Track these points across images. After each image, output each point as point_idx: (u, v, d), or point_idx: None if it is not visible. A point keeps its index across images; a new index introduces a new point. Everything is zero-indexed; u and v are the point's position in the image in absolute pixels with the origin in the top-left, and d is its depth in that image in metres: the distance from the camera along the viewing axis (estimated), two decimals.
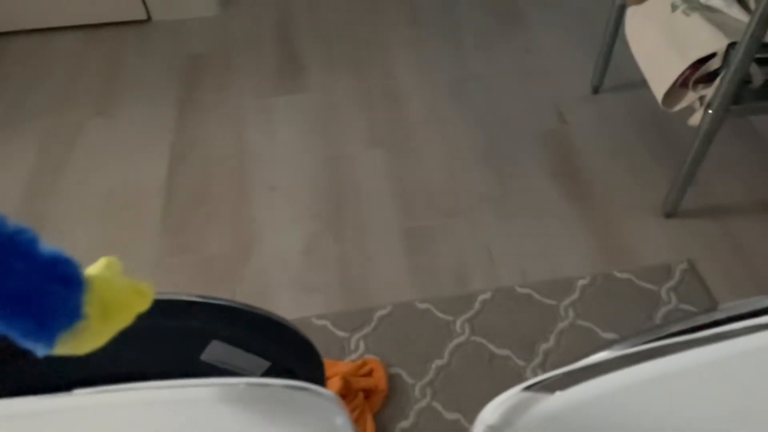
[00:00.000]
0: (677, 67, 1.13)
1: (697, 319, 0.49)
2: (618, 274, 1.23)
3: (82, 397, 0.47)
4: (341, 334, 1.16)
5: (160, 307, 0.64)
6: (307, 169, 1.49)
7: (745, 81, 1.10)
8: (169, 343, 0.63)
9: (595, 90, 1.60)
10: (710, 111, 1.10)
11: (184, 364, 0.63)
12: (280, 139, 1.57)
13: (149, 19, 1.94)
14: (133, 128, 1.62)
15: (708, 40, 1.10)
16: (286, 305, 1.22)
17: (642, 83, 1.26)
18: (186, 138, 1.58)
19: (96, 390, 0.48)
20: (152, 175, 1.49)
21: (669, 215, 1.32)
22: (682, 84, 1.15)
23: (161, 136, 1.59)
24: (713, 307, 1.23)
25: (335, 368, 1.08)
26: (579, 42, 1.77)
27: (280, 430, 0.30)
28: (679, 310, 1.16)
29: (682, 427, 0.37)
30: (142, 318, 0.63)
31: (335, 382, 1.02)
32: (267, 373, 0.66)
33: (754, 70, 1.11)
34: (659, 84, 1.18)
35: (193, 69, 1.78)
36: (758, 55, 1.06)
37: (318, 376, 0.74)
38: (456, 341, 1.14)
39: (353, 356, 1.13)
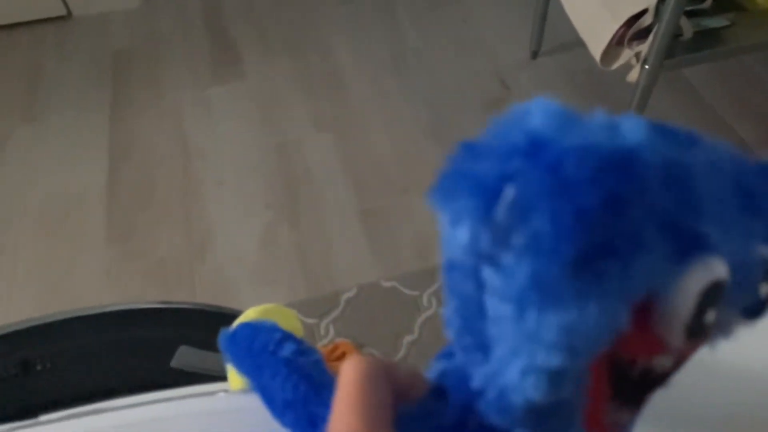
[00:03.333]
0: (611, 25, 1.15)
1: None
2: None
3: (49, 424, 0.44)
4: (310, 321, 1.15)
5: (121, 318, 0.61)
6: (254, 159, 1.45)
7: (677, 35, 1.13)
8: (135, 354, 0.61)
9: (534, 54, 1.62)
10: (646, 66, 1.13)
11: (155, 375, 0.61)
12: (222, 131, 1.52)
13: (69, 14, 1.84)
14: (64, 133, 1.53)
15: None
16: (249, 300, 1.20)
17: (579, 44, 1.29)
18: (122, 139, 1.52)
19: (63, 414, 0.46)
20: (91, 181, 1.43)
21: None
22: (617, 42, 1.17)
23: (96, 139, 1.52)
24: None
25: None
26: (514, 8, 1.78)
27: None
28: None
29: None
30: (103, 333, 0.60)
31: None
32: None
33: (684, 23, 1.14)
34: (596, 44, 1.20)
35: (122, 65, 1.70)
36: (687, 8, 1.09)
37: None
38: (424, 315, 1.15)
39: (324, 341, 1.13)
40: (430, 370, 0.24)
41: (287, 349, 0.32)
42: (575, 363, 0.17)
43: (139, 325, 0.61)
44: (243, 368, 0.34)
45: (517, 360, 0.17)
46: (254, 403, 0.41)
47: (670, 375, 0.22)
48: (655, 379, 0.21)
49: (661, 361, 0.20)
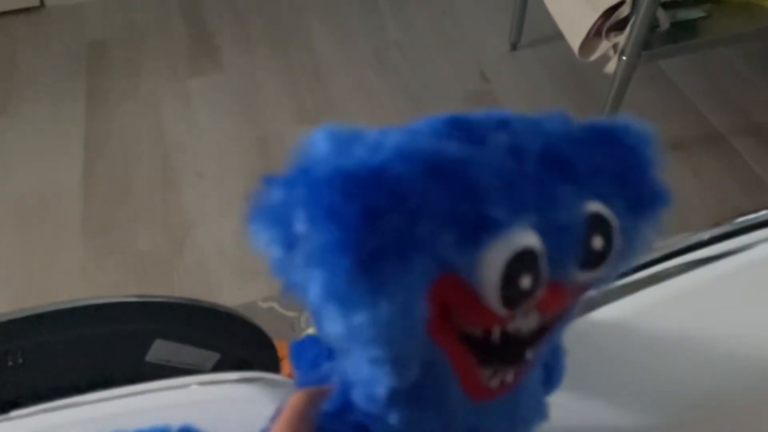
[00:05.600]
0: (589, 17, 1.16)
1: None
2: None
3: (20, 420, 0.43)
4: (290, 314, 1.15)
5: (95, 312, 0.60)
6: (234, 151, 1.44)
7: (654, 26, 1.14)
8: (110, 348, 0.60)
9: (514, 46, 1.62)
10: (624, 57, 1.14)
11: (130, 369, 0.60)
12: (202, 124, 1.51)
13: (42, 5, 1.80)
14: (38, 127, 1.51)
15: None
16: (230, 293, 1.19)
17: (558, 36, 1.29)
18: (99, 132, 1.49)
19: (35, 410, 0.45)
20: (66, 174, 1.40)
21: None
22: (595, 33, 1.18)
23: (71, 132, 1.49)
24: None
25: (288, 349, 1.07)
26: (494, 0, 1.78)
27: (244, 424, 0.29)
28: None
29: (632, 374, 0.38)
30: (77, 327, 0.59)
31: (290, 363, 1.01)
32: (218, 365, 0.64)
33: (661, 14, 1.15)
34: (574, 35, 1.21)
35: (97, 57, 1.67)
36: (664, 0, 1.10)
37: (272, 360, 0.73)
38: None
39: (305, 334, 1.12)
40: None
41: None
42: (403, 349, 0.19)
43: (113, 319, 0.60)
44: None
45: (359, 358, 0.20)
46: (227, 394, 0.40)
47: (546, 332, 0.23)
48: (526, 340, 0.23)
49: (519, 325, 0.22)
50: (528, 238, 0.20)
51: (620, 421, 0.35)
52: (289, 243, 0.19)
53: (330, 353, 0.34)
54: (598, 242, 0.22)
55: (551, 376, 0.30)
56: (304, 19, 1.75)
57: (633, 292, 0.41)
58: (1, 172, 1.41)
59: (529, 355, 0.23)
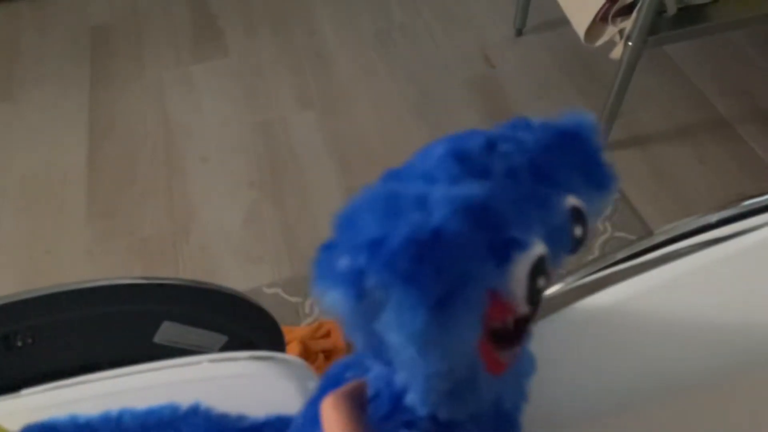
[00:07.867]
0: (596, 2, 1.15)
1: (640, 244, 0.51)
2: None
3: (31, 397, 0.44)
4: (294, 299, 1.15)
5: (103, 293, 0.61)
6: (237, 136, 1.44)
7: (660, 11, 1.14)
8: (118, 329, 0.60)
9: (519, 32, 1.61)
10: (630, 43, 1.13)
11: (138, 350, 0.61)
12: (205, 108, 1.50)
13: None
14: (43, 111, 1.50)
15: None
16: (235, 278, 1.19)
17: (563, 21, 1.28)
18: (103, 116, 1.49)
19: (45, 388, 0.45)
20: (71, 159, 1.40)
21: None
22: (601, 18, 1.17)
23: (75, 116, 1.49)
24: (646, 231, 1.28)
25: (292, 334, 1.07)
26: None
27: (254, 402, 0.29)
28: (614, 238, 1.22)
29: (642, 351, 0.38)
30: (85, 308, 0.60)
31: (294, 347, 1.01)
32: (225, 348, 0.65)
33: None
34: (580, 20, 1.20)
35: (101, 42, 1.66)
36: None
37: (277, 343, 0.74)
38: None
39: (309, 320, 1.13)
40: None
41: None
42: (457, 363, 0.23)
43: (121, 301, 0.60)
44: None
45: (417, 374, 0.23)
46: (238, 371, 0.41)
47: (539, 306, 0.27)
48: (526, 320, 0.26)
49: (524, 309, 0.25)
50: (540, 248, 0.23)
51: (626, 397, 0.36)
52: (357, 298, 0.21)
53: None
54: (579, 231, 0.25)
55: None
56: (308, 2, 1.74)
57: (641, 273, 0.41)
58: (7, 157, 1.41)
59: (531, 328, 0.27)
